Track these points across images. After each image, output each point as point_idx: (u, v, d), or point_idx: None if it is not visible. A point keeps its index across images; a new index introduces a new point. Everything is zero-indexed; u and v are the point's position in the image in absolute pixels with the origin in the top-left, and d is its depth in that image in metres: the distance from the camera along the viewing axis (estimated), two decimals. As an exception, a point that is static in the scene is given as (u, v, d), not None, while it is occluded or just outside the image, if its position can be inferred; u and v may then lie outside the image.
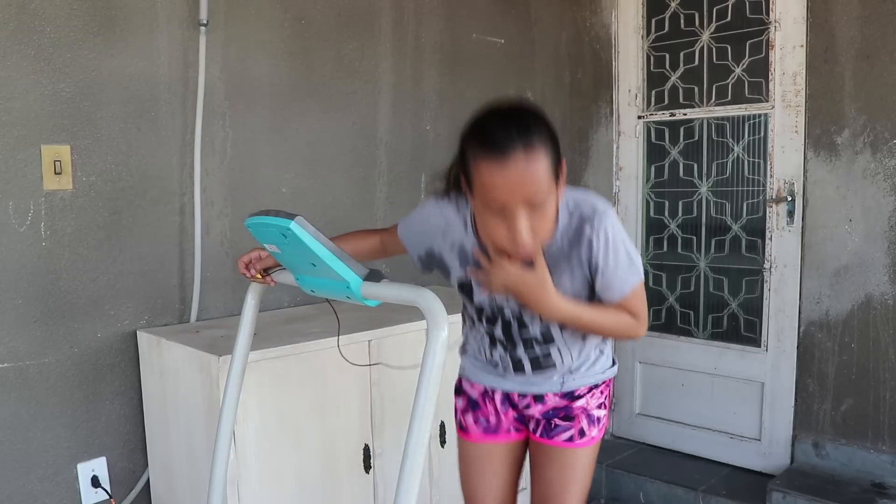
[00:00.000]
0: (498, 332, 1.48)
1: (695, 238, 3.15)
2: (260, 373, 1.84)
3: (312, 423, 1.96)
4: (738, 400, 3.04)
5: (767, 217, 2.95)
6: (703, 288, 3.12)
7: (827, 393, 2.84)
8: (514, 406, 1.55)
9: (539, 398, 1.52)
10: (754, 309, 3.02)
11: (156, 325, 2.15)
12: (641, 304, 1.42)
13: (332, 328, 2.08)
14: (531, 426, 1.56)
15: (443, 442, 2.28)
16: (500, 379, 1.54)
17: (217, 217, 2.26)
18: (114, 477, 2.10)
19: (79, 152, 1.98)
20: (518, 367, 1.50)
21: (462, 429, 1.62)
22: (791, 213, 2.88)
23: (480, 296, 1.46)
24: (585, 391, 1.52)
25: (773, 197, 2.92)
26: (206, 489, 1.58)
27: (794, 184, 2.87)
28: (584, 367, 1.51)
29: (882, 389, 2.70)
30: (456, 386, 1.65)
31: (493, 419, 1.57)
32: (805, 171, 2.84)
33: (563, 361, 1.48)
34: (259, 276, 1.51)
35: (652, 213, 3.28)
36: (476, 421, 1.59)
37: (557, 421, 1.52)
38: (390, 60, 2.65)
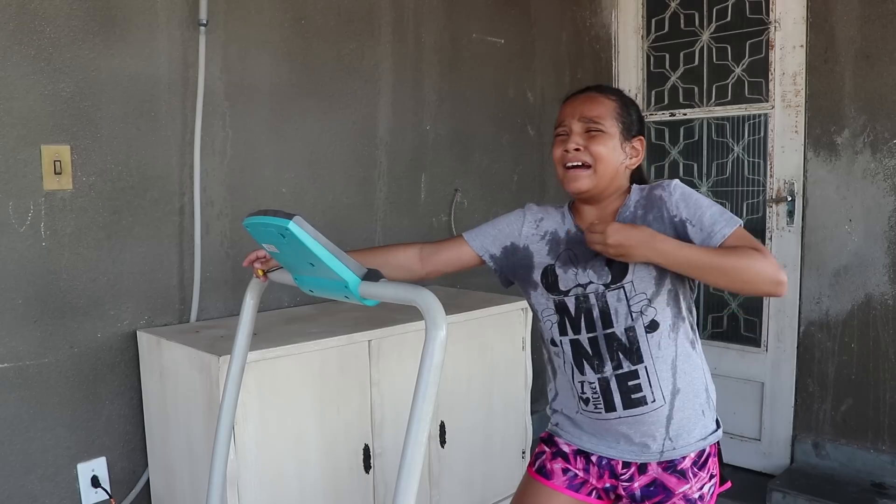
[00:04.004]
0: (583, 337, 1.43)
1: (695, 238, 3.14)
2: (260, 373, 1.84)
3: (312, 423, 1.96)
4: (739, 400, 3.04)
5: (767, 217, 2.95)
6: (704, 288, 3.11)
7: (827, 393, 2.84)
8: (614, 475, 1.49)
9: (642, 469, 1.45)
10: (754, 309, 3.02)
11: (156, 325, 2.15)
12: (756, 242, 1.31)
13: (332, 328, 2.08)
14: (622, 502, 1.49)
15: (442, 442, 2.28)
16: (597, 441, 1.49)
17: (217, 217, 2.26)
18: (114, 477, 2.10)
19: (79, 152, 1.98)
20: (609, 400, 1.43)
21: (543, 473, 1.55)
22: (791, 213, 2.88)
23: (566, 282, 1.43)
24: (689, 465, 1.44)
25: (773, 197, 2.92)
26: (206, 489, 1.58)
27: (794, 184, 2.87)
28: (683, 429, 1.44)
29: (882, 389, 2.70)
30: (545, 437, 1.60)
31: (580, 476, 1.52)
32: (805, 171, 2.84)
33: (653, 396, 1.41)
34: (260, 272, 1.51)
35: (652, 213, 3.28)
36: (564, 471, 1.53)
37: None
38: (390, 60, 2.65)
